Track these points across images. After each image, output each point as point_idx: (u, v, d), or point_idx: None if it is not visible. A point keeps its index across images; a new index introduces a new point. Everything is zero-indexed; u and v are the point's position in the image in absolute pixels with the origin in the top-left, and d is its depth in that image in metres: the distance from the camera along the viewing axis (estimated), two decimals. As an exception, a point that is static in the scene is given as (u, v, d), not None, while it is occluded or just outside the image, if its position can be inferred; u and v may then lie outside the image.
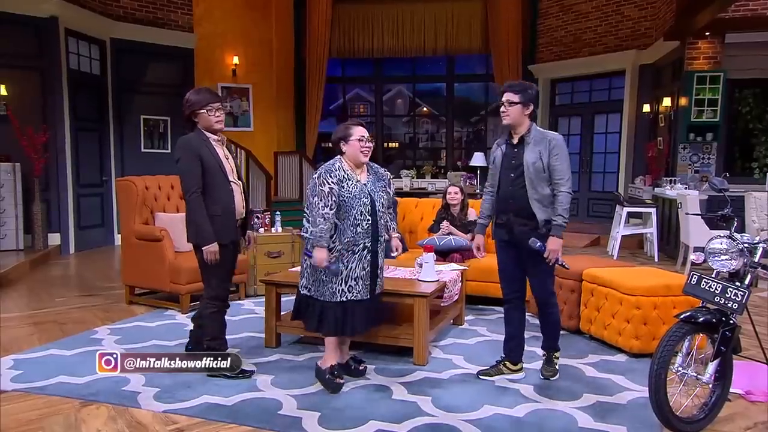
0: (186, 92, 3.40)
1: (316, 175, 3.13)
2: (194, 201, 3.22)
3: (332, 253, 3.12)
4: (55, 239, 7.72)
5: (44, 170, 7.42)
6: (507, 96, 3.15)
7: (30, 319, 4.64)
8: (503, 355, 3.46)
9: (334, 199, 3.08)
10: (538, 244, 3.11)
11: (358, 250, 3.17)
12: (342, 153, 3.23)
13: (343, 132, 3.22)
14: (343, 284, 3.16)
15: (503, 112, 3.18)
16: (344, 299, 3.17)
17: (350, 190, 3.13)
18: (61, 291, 5.63)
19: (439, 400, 3.07)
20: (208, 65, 9.83)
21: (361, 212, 3.14)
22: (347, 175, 3.17)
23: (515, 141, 3.22)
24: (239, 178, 3.45)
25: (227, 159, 3.40)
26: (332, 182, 3.10)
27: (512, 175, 3.20)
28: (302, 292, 3.29)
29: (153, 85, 9.02)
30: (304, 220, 3.19)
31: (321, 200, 3.07)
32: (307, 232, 3.15)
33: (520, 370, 3.45)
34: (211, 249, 3.24)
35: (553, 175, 3.11)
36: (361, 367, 3.45)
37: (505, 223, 3.26)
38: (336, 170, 3.15)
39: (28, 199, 7.32)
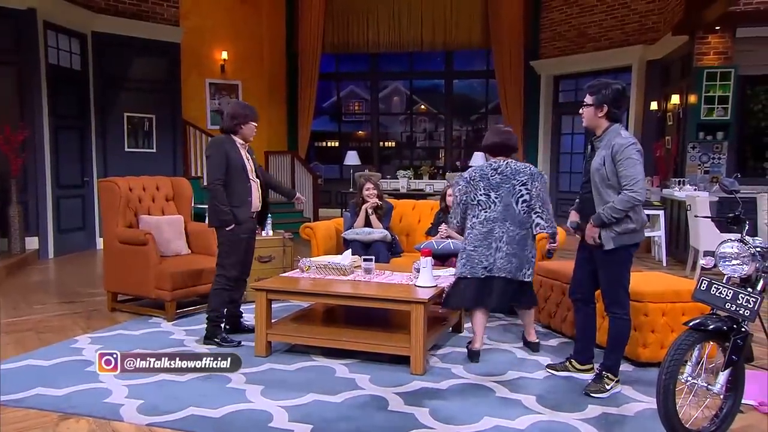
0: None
1: (544, 174, 3.65)
2: (216, 189, 3.91)
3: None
4: (33, 243, 7.48)
5: (22, 170, 7.20)
6: (586, 98, 3.20)
7: (6, 327, 4.47)
8: (571, 353, 3.56)
9: None
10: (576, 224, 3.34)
11: None
12: (501, 156, 3.71)
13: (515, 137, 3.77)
14: None
15: (581, 113, 3.26)
16: None
17: None
18: (39, 298, 5.49)
19: (438, 411, 2.99)
20: (196, 60, 9.68)
21: None
22: None
23: (595, 143, 3.26)
24: (257, 177, 4.17)
25: (248, 160, 4.09)
26: None
27: (584, 178, 3.28)
28: (529, 279, 3.71)
29: (137, 81, 8.78)
30: (538, 218, 3.65)
31: None
32: (545, 229, 3.67)
33: (589, 371, 3.48)
34: (231, 229, 3.95)
35: (621, 182, 3.06)
36: None
37: (580, 224, 3.32)
38: None
39: (5, 201, 7.11)
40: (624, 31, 9.72)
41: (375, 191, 5.29)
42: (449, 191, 5.09)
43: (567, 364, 3.54)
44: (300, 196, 4.59)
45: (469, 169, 3.78)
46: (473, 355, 3.73)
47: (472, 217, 3.67)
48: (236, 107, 4.13)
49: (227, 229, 3.96)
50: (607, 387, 3.19)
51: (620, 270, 3.19)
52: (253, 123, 4.10)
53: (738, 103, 7.82)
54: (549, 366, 3.62)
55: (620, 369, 3.38)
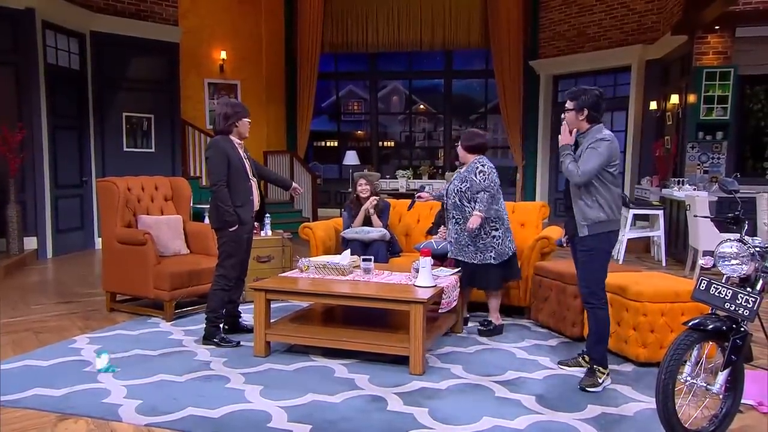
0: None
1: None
2: (220, 190, 3.91)
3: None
4: (31, 243, 7.45)
5: (20, 170, 7.17)
6: (567, 103, 3.35)
7: (4, 327, 4.46)
8: (584, 349, 3.57)
9: None
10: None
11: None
12: (482, 154, 4.41)
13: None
14: None
15: (563, 118, 3.39)
16: None
17: None
18: (37, 298, 5.47)
19: (437, 411, 2.99)
20: (194, 60, 9.65)
21: None
22: None
23: (579, 139, 3.36)
24: (254, 176, 4.17)
25: (246, 159, 4.11)
26: None
27: None
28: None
29: (136, 81, 8.75)
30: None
31: None
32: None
33: None
34: (234, 230, 3.96)
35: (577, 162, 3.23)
36: None
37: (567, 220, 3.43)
38: None
39: (3, 201, 7.08)
40: (623, 30, 9.69)
41: (368, 187, 5.27)
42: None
43: (579, 359, 3.58)
44: (296, 187, 4.56)
45: (486, 162, 4.30)
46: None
47: (500, 203, 4.30)
48: (226, 108, 4.11)
49: (231, 230, 3.95)
50: (600, 380, 3.25)
51: (596, 261, 3.26)
52: (246, 119, 4.11)
53: (737, 103, 7.82)
54: (560, 362, 3.66)
55: (619, 369, 3.40)
